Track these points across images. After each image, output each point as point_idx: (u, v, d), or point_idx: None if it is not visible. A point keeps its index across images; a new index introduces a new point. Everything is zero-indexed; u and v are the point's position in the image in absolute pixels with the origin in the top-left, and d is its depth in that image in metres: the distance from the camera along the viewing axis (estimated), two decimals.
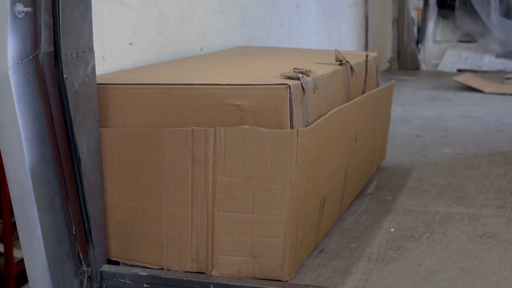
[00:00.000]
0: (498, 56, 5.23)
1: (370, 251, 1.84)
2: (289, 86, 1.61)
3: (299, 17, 3.53)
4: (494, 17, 5.30)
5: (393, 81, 2.62)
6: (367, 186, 2.36)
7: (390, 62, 5.20)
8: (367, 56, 2.31)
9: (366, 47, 4.97)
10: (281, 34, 3.27)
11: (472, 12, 5.41)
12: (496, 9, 5.32)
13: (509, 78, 4.56)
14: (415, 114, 3.59)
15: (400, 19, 5.21)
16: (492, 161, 2.68)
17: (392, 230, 1.98)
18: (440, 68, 5.28)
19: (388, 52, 5.20)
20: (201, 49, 2.47)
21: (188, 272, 1.66)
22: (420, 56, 5.30)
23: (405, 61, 5.23)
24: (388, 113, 2.58)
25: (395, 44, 5.21)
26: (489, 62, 5.18)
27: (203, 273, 1.66)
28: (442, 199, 2.25)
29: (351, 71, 2.11)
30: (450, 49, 5.46)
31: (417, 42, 5.30)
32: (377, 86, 2.41)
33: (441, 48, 5.49)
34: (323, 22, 3.95)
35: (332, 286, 1.63)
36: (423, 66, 5.30)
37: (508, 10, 5.38)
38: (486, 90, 4.20)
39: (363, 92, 2.22)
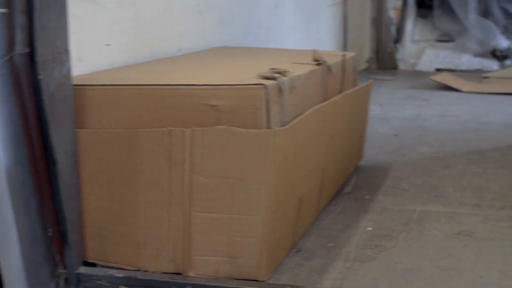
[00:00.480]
0: (476, 55, 5.26)
1: (348, 250, 1.84)
2: (266, 86, 1.61)
3: (277, 17, 3.54)
4: (472, 17, 5.33)
5: (371, 80, 2.63)
6: (345, 186, 2.37)
7: (368, 61, 5.22)
8: (344, 56, 2.31)
9: (345, 47, 4.98)
10: (260, 34, 3.28)
11: (450, 12, 5.44)
12: (474, 9, 5.36)
13: (486, 77, 4.59)
14: (394, 113, 3.60)
15: (378, 19, 5.23)
16: (470, 160, 2.69)
17: (369, 229, 1.99)
18: (418, 67, 5.31)
19: (367, 52, 5.22)
20: (179, 49, 2.47)
21: (165, 273, 1.66)
22: (399, 56, 5.32)
23: (383, 61, 5.25)
24: (365, 113, 2.58)
25: (374, 44, 5.23)
26: (467, 61, 5.21)
27: (181, 274, 1.66)
28: (420, 198, 2.26)
29: (329, 71, 2.12)
30: (429, 49, 5.48)
31: (396, 42, 5.33)
32: (355, 86, 2.41)
33: (420, 47, 5.51)
34: (301, 22, 3.96)
35: (309, 285, 1.63)
36: (401, 66, 5.33)
37: (486, 9, 5.41)
38: (464, 89, 4.22)
39: (341, 92, 2.22)
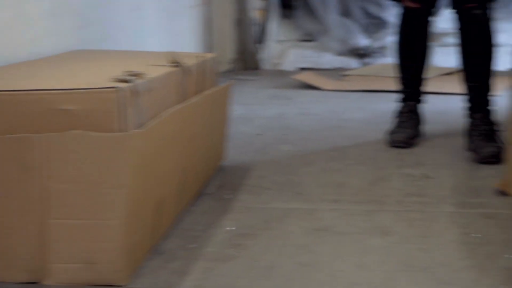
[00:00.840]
0: (337, 54, 5.39)
1: (209, 250, 1.85)
2: (119, 89, 1.60)
3: (137, 19, 3.51)
4: (332, 17, 5.46)
5: (231, 81, 2.65)
6: (208, 186, 2.37)
7: (232, 62, 5.25)
8: (203, 57, 2.32)
9: (209, 48, 5.00)
10: (120, 37, 3.24)
11: (312, 12, 5.55)
12: (335, 9, 5.48)
13: (347, 75, 4.70)
14: (257, 113, 3.63)
15: (242, 20, 5.27)
16: (330, 157, 2.75)
17: (230, 228, 2.00)
18: (283, 67, 5.37)
19: (231, 52, 5.24)
20: (34, 54, 2.41)
21: (20, 283, 1.62)
22: (263, 56, 5.38)
23: (248, 61, 5.29)
24: (226, 113, 2.60)
25: (238, 44, 5.27)
26: (329, 60, 5.32)
27: (37, 283, 1.62)
28: (282, 195, 2.29)
29: (187, 72, 2.12)
30: (293, 48, 5.57)
31: (260, 42, 5.38)
32: (215, 87, 2.42)
33: (284, 47, 5.59)
34: (163, 24, 3.94)
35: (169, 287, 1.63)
36: (266, 66, 5.38)
37: (346, 9, 5.55)
38: (326, 87, 4.31)
39: (199, 93, 2.23)
